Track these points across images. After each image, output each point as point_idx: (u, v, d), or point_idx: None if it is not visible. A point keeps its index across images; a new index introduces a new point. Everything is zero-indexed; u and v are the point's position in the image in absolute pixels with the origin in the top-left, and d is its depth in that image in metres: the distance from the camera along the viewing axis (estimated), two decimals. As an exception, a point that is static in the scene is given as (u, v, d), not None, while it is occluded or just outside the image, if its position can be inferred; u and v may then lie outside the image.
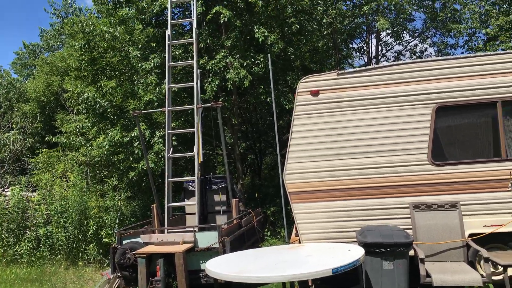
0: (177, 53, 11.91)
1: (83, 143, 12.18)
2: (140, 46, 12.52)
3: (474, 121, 6.08)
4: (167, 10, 10.88)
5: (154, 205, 7.82)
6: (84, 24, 12.09)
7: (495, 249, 5.70)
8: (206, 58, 11.57)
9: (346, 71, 6.51)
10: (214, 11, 11.29)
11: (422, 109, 6.05)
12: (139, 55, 12.30)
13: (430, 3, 13.66)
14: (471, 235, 5.63)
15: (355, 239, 5.54)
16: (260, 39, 11.16)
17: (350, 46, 17.02)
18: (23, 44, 28.51)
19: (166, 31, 8.77)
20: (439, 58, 6.30)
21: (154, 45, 12.36)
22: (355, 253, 4.76)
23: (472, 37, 14.36)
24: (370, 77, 6.28)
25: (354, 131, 6.23)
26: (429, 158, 5.95)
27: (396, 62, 6.66)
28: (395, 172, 6.03)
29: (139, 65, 11.83)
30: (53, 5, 26.48)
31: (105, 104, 11.50)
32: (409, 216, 5.84)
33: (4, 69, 30.82)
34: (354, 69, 6.51)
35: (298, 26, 12.39)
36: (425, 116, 6.02)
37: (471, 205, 5.81)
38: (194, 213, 7.45)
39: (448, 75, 6.00)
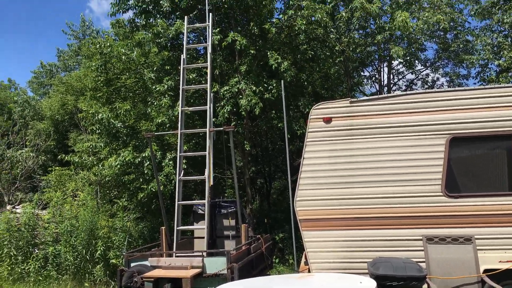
0: (191, 76, 12.07)
1: (95, 163, 12.25)
2: (155, 68, 12.73)
3: (489, 153, 6.00)
4: (183, 35, 11.11)
5: (163, 227, 7.76)
6: (102, 45, 12.36)
7: (511, 286, 5.52)
8: (219, 85, 11.69)
9: (359, 99, 6.51)
10: (229, 38, 11.48)
11: (435, 140, 5.99)
12: (153, 78, 12.50)
13: (442, 34, 13.75)
14: (486, 271, 5.47)
15: (366, 271, 5.40)
16: (273, 66, 11.27)
17: (362, 73, 17.12)
18: (40, 63, 29.20)
19: (181, 55, 8.90)
20: (453, 89, 6.28)
21: (169, 68, 12.55)
22: (367, 285, 4.63)
23: (485, 68, 14.37)
24: (383, 106, 6.25)
25: (366, 159, 6.17)
26: (443, 190, 5.85)
27: (409, 92, 6.65)
28: (408, 203, 5.92)
29: (153, 87, 12.00)
30: (71, 27, 27.24)
31: (119, 125, 11.62)
32: (422, 248, 5.71)
33: (21, 87, 31.51)
34: (367, 98, 6.50)
35: (312, 53, 12.51)
36: (439, 147, 5.96)
37: (487, 239, 5.65)
38: (203, 237, 7.37)
39: (462, 106, 5.96)
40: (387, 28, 12.74)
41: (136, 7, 12.87)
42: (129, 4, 12.74)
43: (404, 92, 6.48)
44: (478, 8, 14.05)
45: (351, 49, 13.99)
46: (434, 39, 14.34)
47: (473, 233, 5.64)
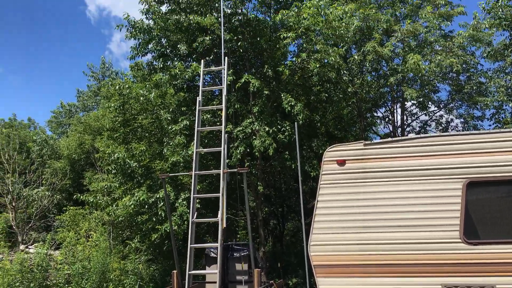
0: (205, 117, 12.27)
1: (109, 203, 12.31)
2: (171, 109, 12.99)
3: (509, 198, 5.84)
4: (199, 76, 11.40)
5: (175, 271, 7.64)
6: (122, 87, 12.74)
7: None
8: (232, 126, 11.83)
9: (373, 141, 6.48)
10: (243, 80, 11.73)
11: (452, 184, 5.87)
12: (169, 118, 12.73)
13: (455, 75, 13.83)
14: (509, 322, 5.19)
15: (384, 320, 5.18)
16: (286, 109, 11.40)
17: (375, 114, 17.15)
18: (60, 103, 30.10)
19: (197, 97, 9.08)
20: (469, 132, 6.22)
21: (185, 109, 12.80)
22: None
23: (499, 110, 14.31)
24: (397, 149, 6.20)
25: (382, 203, 6.05)
26: (461, 236, 5.67)
27: (424, 135, 6.61)
28: (425, 250, 5.74)
29: (169, 127, 12.20)
30: (91, 68, 28.20)
31: (134, 165, 11.74)
32: (442, 297, 5.48)
33: (40, 126, 32.34)
34: (381, 140, 6.48)
35: (326, 95, 12.65)
36: (456, 191, 5.83)
37: (510, 289, 5.40)
38: (215, 282, 7.22)
39: (479, 149, 5.87)
40: (399, 70, 12.88)
41: (155, 51, 13.36)
42: (148, 48, 13.23)
43: (419, 135, 6.43)
44: (491, 50, 14.19)
45: (364, 91, 14.13)
46: (447, 81, 14.41)
47: (495, 282, 5.41)
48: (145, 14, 12.84)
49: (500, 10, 13.46)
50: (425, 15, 12.83)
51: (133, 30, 12.77)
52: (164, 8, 13.13)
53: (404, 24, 13.73)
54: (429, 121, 15.98)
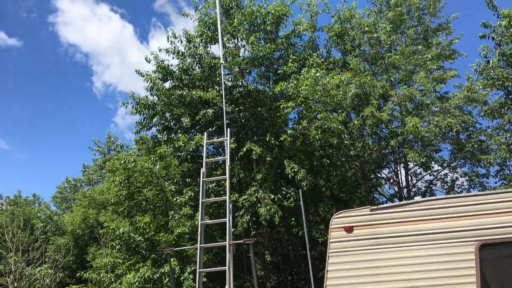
0: (210, 186, 12.28)
1: (113, 280, 11.95)
2: (175, 181, 13.05)
3: (525, 258, 5.65)
4: (202, 147, 11.59)
5: None
6: (127, 161, 12.91)
7: None
8: (238, 194, 11.83)
9: (379, 206, 6.42)
10: (245, 148, 11.91)
11: (464, 247, 5.71)
12: (174, 190, 12.75)
13: (455, 135, 14.00)
14: None
15: None
16: (290, 175, 11.44)
17: (379, 175, 17.13)
18: (66, 178, 30.33)
19: (201, 169, 9.15)
20: (477, 193, 6.17)
21: (189, 180, 12.86)
22: None
23: (503, 167, 14.31)
24: (405, 213, 6.12)
25: (393, 270, 5.86)
26: (480, 302, 5.42)
27: (431, 197, 6.54)
28: (444, 318, 5.46)
29: (174, 199, 12.18)
30: (97, 143, 28.76)
31: (139, 239, 11.56)
32: None
33: (45, 202, 32.29)
34: (388, 205, 6.42)
35: (328, 160, 12.76)
36: (469, 255, 5.65)
37: None
38: None
39: (489, 210, 5.77)
40: (399, 133, 13.07)
41: (159, 125, 13.71)
42: (152, 122, 13.60)
43: (426, 198, 6.38)
44: (487, 109, 14.48)
45: (366, 153, 14.25)
46: (448, 140, 14.56)
47: None
48: (150, 91, 13.37)
49: (492, 71, 13.94)
50: (419, 80, 13.28)
51: (138, 106, 13.21)
52: (167, 85, 13.71)
53: (399, 88, 14.19)
54: (434, 180, 15.91)
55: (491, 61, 14.13)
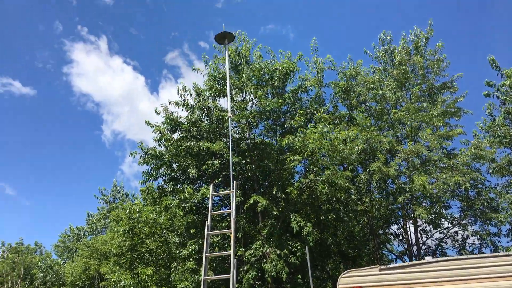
0: (215, 240, 12.05)
1: None
2: (179, 232, 12.84)
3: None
4: (208, 198, 11.49)
5: None
6: (132, 210, 12.80)
7: None
8: (243, 249, 11.57)
9: (389, 266, 6.22)
10: (252, 200, 11.79)
11: (479, 313, 5.45)
12: (177, 241, 12.51)
13: (463, 192, 13.79)
14: None
15: None
16: (295, 229, 11.24)
17: (388, 231, 16.72)
18: (69, 227, 29.98)
19: (206, 222, 9.01)
20: (489, 254, 5.97)
21: (193, 231, 12.64)
22: None
23: (515, 226, 13.93)
24: (415, 274, 5.92)
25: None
26: None
27: (443, 258, 6.34)
28: None
29: (177, 251, 11.91)
30: (103, 192, 28.71)
31: (140, 294, 11.21)
32: None
33: (46, 250, 31.72)
34: (398, 265, 6.22)
35: (334, 215, 12.57)
36: (484, 321, 5.38)
37: None
38: None
39: (503, 273, 5.56)
40: (407, 189, 12.93)
41: (166, 175, 13.72)
42: (159, 172, 13.63)
43: (438, 259, 6.18)
44: (496, 166, 14.36)
45: (374, 209, 14.02)
46: (457, 197, 14.32)
47: None
48: (158, 142, 13.52)
49: (498, 128, 13.98)
50: (425, 136, 13.33)
51: (146, 156, 13.30)
52: (176, 136, 13.88)
53: (406, 144, 14.20)
54: (444, 238, 15.47)
55: (497, 119, 14.21)
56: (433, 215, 13.55)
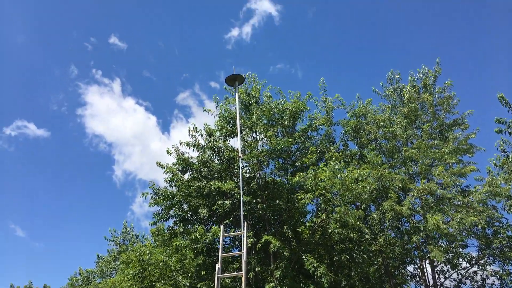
0: (226, 282, 11.81)
1: None
2: (189, 275, 12.62)
3: None
4: (218, 239, 11.37)
5: None
6: (142, 252, 12.69)
7: None
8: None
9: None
10: (263, 240, 11.64)
11: None
12: (188, 284, 12.28)
13: (480, 230, 13.45)
14: None
15: None
16: (310, 270, 11.00)
17: (404, 271, 16.22)
18: (79, 270, 29.63)
19: (217, 264, 8.90)
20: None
21: (204, 273, 12.43)
22: None
23: (537, 266, 13.43)
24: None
25: None
26: None
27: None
28: None
29: (187, 295, 11.68)
30: (113, 233, 28.59)
31: None
32: None
33: (53, 294, 31.15)
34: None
35: (347, 256, 12.32)
36: None
37: None
38: None
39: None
40: (422, 229, 12.67)
41: (176, 216, 13.69)
42: (170, 213, 13.62)
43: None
44: (512, 203, 14.05)
45: (388, 249, 13.69)
46: (473, 236, 13.95)
47: None
48: (169, 182, 13.60)
49: (512, 165, 13.83)
50: (438, 174, 13.20)
51: (157, 197, 13.35)
52: (186, 176, 13.97)
53: (418, 182, 14.05)
54: (463, 279, 14.93)
55: (510, 156, 14.06)
56: (450, 255, 13.19)
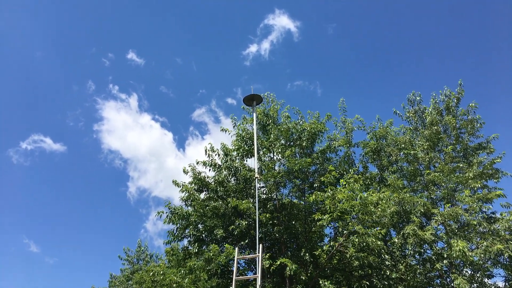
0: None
1: None
2: (204, 299, 12.44)
3: None
4: (233, 260, 11.21)
5: None
6: (156, 273, 12.60)
7: None
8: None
9: None
10: (278, 262, 11.43)
11: None
12: (201, 308, 12.08)
13: (508, 260, 12.94)
14: None
15: None
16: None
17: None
18: (91, 288, 29.55)
19: (230, 287, 8.76)
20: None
21: (218, 298, 12.25)
22: None
23: None
24: None
25: None
26: None
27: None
28: None
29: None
30: (127, 252, 28.57)
31: None
32: None
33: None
34: None
35: (367, 283, 11.97)
36: None
37: None
38: None
39: None
40: (445, 256, 12.26)
41: (191, 236, 13.61)
42: (185, 233, 13.55)
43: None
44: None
45: (409, 277, 13.26)
46: (500, 265, 13.43)
47: None
48: (185, 201, 13.58)
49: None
50: (463, 199, 12.84)
51: (173, 216, 13.33)
52: (202, 196, 13.94)
53: (442, 206, 13.70)
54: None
55: (538, 181, 13.62)
56: (475, 285, 12.70)
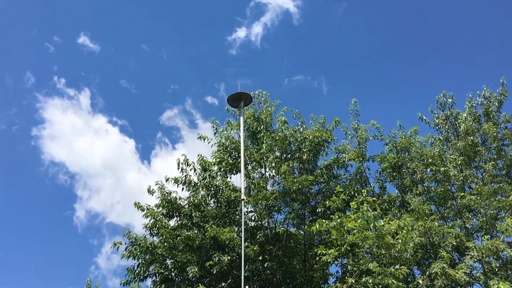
0: None
1: None
2: None
3: None
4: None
5: None
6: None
7: None
8: None
9: None
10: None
11: None
12: None
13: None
14: None
15: None
16: None
17: None
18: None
19: None
20: None
21: None
22: None
23: None
24: None
25: None
26: None
27: None
28: None
29: None
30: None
31: None
32: None
33: None
34: None
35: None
36: None
37: None
38: None
39: None
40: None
41: (157, 274, 13.47)
42: (149, 271, 13.41)
43: None
44: None
45: None
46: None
47: None
48: (150, 230, 13.48)
49: None
50: (506, 229, 12.91)
51: (133, 248, 13.20)
52: (172, 223, 13.84)
53: (479, 239, 13.74)
54: None
55: None
56: None
